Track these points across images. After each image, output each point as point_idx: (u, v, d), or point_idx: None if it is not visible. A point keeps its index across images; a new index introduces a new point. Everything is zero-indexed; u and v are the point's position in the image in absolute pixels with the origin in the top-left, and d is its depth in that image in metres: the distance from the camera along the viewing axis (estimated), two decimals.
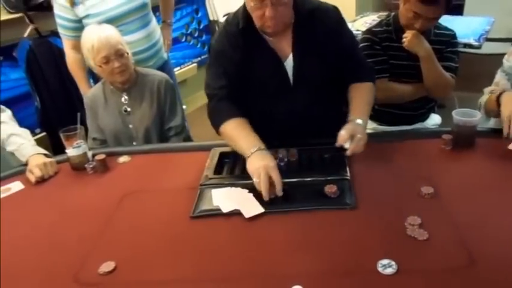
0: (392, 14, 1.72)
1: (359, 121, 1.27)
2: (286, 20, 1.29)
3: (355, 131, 1.23)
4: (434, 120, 1.90)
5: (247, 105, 1.39)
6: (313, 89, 1.41)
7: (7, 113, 1.59)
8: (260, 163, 1.17)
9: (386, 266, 0.91)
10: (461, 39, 1.75)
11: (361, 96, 1.37)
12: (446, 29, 1.72)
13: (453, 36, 1.71)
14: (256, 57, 1.35)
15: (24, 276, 1.01)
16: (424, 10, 1.52)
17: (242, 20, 1.32)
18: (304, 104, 1.41)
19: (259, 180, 1.15)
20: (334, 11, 1.40)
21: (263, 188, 1.14)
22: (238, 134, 1.29)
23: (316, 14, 1.34)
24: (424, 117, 1.85)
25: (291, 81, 1.39)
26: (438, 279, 0.89)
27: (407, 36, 1.59)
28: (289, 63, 1.37)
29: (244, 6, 1.32)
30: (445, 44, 1.69)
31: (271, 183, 1.15)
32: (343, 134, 1.22)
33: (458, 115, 1.35)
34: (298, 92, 1.40)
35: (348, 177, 1.24)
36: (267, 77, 1.38)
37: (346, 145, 1.21)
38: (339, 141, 1.22)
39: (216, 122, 1.36)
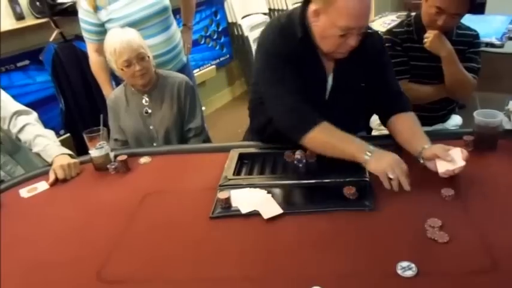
0: (414, 14, 1.70)
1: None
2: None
3: (446, 148, 1.20)
4: (455, 121, 1.87)
5: None
6: (343, 110, 1.40)
7: (33, 115, 1.64)
8: (388, 159, 1.15)
9: (406, 269, 0.91)
10: (483, 39, 1.72)
11: (417, 127, 1.34)
12: (468, 29, 1.70)
13: (476, 36, 1.69)
14: (306, 67, 1.32)
15: (49, 273, 1.04)
16: (447, 4, 1.49)
17: (301, 29, 1.27)
18: (332, 117, 1.36)
19: (395, 175, 1.13)
20: (378, 37, 1.39)
21: (404, 181, 1.12)
22: (338, 139, 1.24)
23: (365, 40, 1.30)
24: (444, 118, 1.83)
25: (327, 97, 1.39)
26: (459, 282, 0.88)
27: (429, 37, 1.57)
28: (329, 81, 1.37)
29: (302, 14, 1.27)
30: (468, 45, 1.66)
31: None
32: (444, 153, 1.18)
33: (480, 116, 1.33)
34: (329, 106, 1.39)
35: (367, 179, 1.23)
36: (309, 88, 1.34)
37: (449, 166, 1.17)
38: (447, 159, 1.18)
39: (300, 130, 1.27)
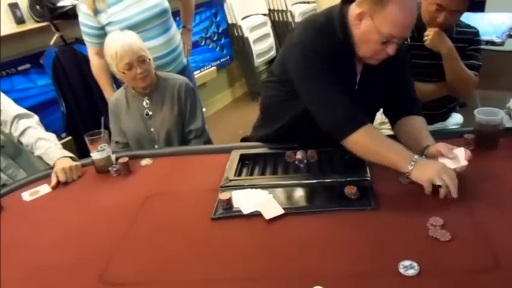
0: None
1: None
2: None
3: (450, 146, 1.21)
4: (455, 119, 1.87)
5: (299, 105, 1.35)
6: (367, 108, 1.37)
7: (34, 119, 1.65)
8: (436, 167, 1.13)
9: (408, 268, 0.91)
10: (483, 37, 1.72)
11: (424, 127, 1.35)
12: (468, 26, 1.69)
13: (476, 33, 1.68)
14: (341, 69, 1.29)
15: (52, 276, 1.04)
16: (448, 1, 1.49)
17: (341, 31, 1.26)
18: None
19: (443, 182, 1.11)
20: (406, 46, 1.38)
21: (453, 188, 1.10)
22: (383, 146, 1.22)
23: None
24: (445, 116, 1.83)
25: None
26: (461, 280, 0.88)
27: (429, 35, 1.57)
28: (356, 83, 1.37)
29: (341, 16, 1.26)
30: (468, 42, 1.66)
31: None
32: (447, 150, 1.19)
33: (481, 114, 1.33)
34: None
35: (368, 178, 1.23)
36: (342, 89, 1.30)
37: (452, 164, 1.17)
38: (449, 157, 1.18)
39: (346, 129, 1.24)
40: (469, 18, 1.74)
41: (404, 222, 1.07)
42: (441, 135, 1.30)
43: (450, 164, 1.17)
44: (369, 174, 1.25)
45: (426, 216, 1.06)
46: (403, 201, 1.15)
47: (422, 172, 1.14)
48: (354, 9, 1.22)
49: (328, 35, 1.27)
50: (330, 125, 1.27)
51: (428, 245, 0.97)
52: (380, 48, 1.21)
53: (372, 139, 1.22)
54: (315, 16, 1.37)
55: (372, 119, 1.50)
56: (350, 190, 1.17)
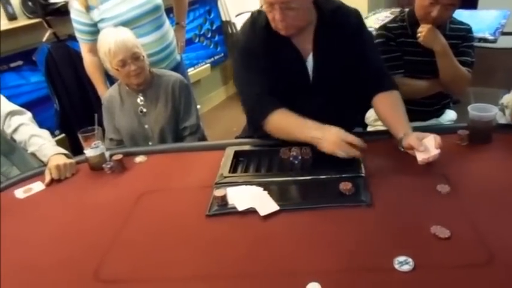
0: (407, 9, 1.71)
1: (411, 132, 1.28)
2: (298, 23, 1.30)
3: (420, 136, 1.24)
4: (449, 116, 1.88)
5: None
6: (330, 89, 1.42)
7: (27, 115, 1.63)
8: (332, 139, 1.22)
9: (403, 263, 0.91)
10: (476, 34, 1.73)
11: (398, 110, 1.36)
12: (461, 23, 1.70)
13: (469, 30, 1.69)
14: (280, 54, 1.37)
15: (46, 273, 1.04)
16: None
17: (265, 16, 1.33)
18: (321, 104, 1.42)
19: (341, 154, 1.21)
20: (356, 14, 1.41)
21: (354, 154, 1.21)
22: (293, 124, 1.31)
23: (338, 15, 1.35)
24: (439, 113, 1.84)
25: (310, 79, 1.40)
26: (456, 276, 0.88)
27: (423, 31, 1.57)
28: (309, 62, 1.39)
29: None
30: (461, 39, 1.67)
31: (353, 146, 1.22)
32: (417, 143, 1.22)
33: (474, 110, 1.33)
34: (316, 91, 1.41)
35: (363, 174, 1.24)
36: (289, 75, 1.40)
37: (423, 155, 1.22)
38: (419, 150, 1.22)
39: (259, 117, 1.37)
40: (462, 15, 1.74)
41: (399, 219, 1.07)
42: (435, 131, 1.30)
43: (423, 156, 1.21)
44: (363, 171, 1.25)
45: (420, 212, 1.06)
46: (398, 197, 1.15)
47: (327, 144, 1.24)
48: None
49: (254, 25, 1.38)
50: (249, 115, 1.41)
51: (424, 241, 0.98)
52: (271, 17, 1.28)
53: (283, 119, 1.33)
54: (255, 12, 1.44)
55: (344, 101, 1.48)
56: (345, 186, 1.17)
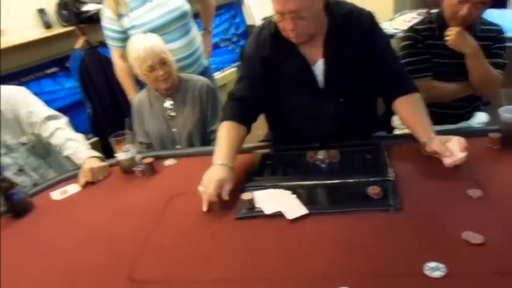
0: (436, 11, 1.68)
1: (433, 135, 1.27)
2: (309, 31, 1.31)
3: (444, 140, 1.23)
4: (479, 118, 1.83)
5: (281, 105, 1.44)
6: (343, 93, 1.42)
7: (63, 120, 1.70)
8: (207, 175, 1.24)
9: (434, 269, 0.90)
10: (507, 33, 1.68)
11: (419, 113, 1.34)
12: (492, 24, 1.66)
13: (500, 31, 1.65)
14: (285, 61, 1.39)
15: (81, 274, 1.08)
16: None
17: (274, 25, 1.35)
18: (335, 108, 1.42)
19: (204, 189, 1.21)
20: (369, 16, 1.39)
21: (203, 199, 1.21)
22: (221, 139, 1.36)
23: (350, 19, 1.35)
24: (468, 116, 1.80)
25: (322, 84, 1.40)
26: (490, 283, 0.86)
27: (451, 34, 1.55)
28: (319, 67, 1.39)
29: None
30: (492, 40, 1.63)
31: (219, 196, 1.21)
32: (442, 148, 1.21)
33: (506, 112, 1.30)
34: (328, 96, 1.41)
35: (391, 178, 1.23)
36: (295, 81, 1.41)
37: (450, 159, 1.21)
38: (445, 155, 1.21)
39: (222, 118, 1.45)
40: (492, 15, 1.70)
41: (429, 223, 1.06)
42: (465, 135, 1.28)
43: (449, 159, 1.19)
44: (391, 174, 1.24)
45: (451, 217, 1.04)
46: (428, 201, 1.14)
47: (207, 174, 1.26)
48: None
49: (261, 32, 1.41)
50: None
51: (455, 246, 0.96)
52: (283, 26, 1.29)
53: (219, 133, 1.39)
54: (267, 19, 1.46)
55: (358, 105, 1.47)
56: (373, 190, 1.16)
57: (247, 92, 1.43)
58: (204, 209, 1.21)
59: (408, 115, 1.36)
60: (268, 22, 1.42)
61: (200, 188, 1.23)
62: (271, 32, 1.38)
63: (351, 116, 1.44)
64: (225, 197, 1.20)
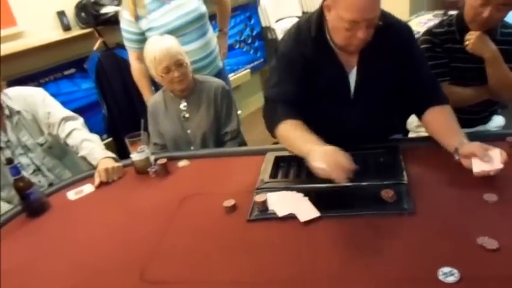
0: (455, 13, 1.65)
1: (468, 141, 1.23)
2: (370, 39, 1.27)
3: (484, 146, 1.18)
4: (497, 122, 1.79)
5: (309, 107, 1.41)
6: (371, 102, 1.40)
7: (80, 121, 1.74)
8: (325, 152, 1.13)
9: (448, 274, 0.89)
10: None
11: (453, 122, 1.31)
12: None
13: None
14: (323, 66, 1.35)
15: (94, 273, 1.09)
16: None
17: (315, 28, 1.32)
18: (360, 115, 1.41)
19: (328, 169, 1.09)
20: (407, 30, 1.38)
21: (336, 176, 1.09)
22: (296, 137, 1.28)
23: (389, 32, 1.31)
24: (486, 120, 1.76)
25: (352, 93, 1.39)
26: None
27: (471, 39, 1.51)
28: (352, 76, 1.37)
29: (319, 14, 1.32)
30: None
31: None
32: (482, 152, 1.16)
33: None
34: (357, 104, 1.40)
35: (405, 182, 1.21)
36: (330, 86, 1.38)
37: (485, 166, 1.15)
38: (484, 160, 1.15)
39: (271, 123, 1.37)
40: None
41: (443, 228, 1.04)
42: (482, 138, 1.25)
43: (484, 167, 1.14)
44: (405, 178, 1.23)
45: (466, 222, 1.03)
46: (442, 205, 1.12)
47: (313, 160, 1.14)
48: (324, 3, 1.27)
49: (301, 35, 1.35)
50: (265, 121, 1.41)
51: (470, 252, 0.95)
52: (349, 35, 1.23)
53: (288, 131, 1.31)
54: (299, 20, 1.43)
55: (385, 114, 1.46)
56: (387, 193, 1.15)
57: (291, 94, 1.36)
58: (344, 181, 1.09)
59: (441, 123, 1.33)
60: (304, 22, 1.37)
61: (322, 166, 1.10)
62: (312, 35, 1.33)
63: (375, 123, 1.42)
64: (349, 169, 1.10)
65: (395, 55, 1.34)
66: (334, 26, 1.27)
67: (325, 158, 1.11)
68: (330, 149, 1.15)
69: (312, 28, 1.33)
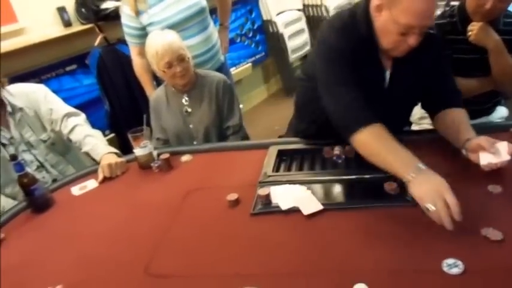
0: (457, 3, 1.63)
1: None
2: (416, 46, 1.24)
3: (491, 140, 1.17)
4: (500, 113, 1.79)
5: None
6: (400, 104, 1.40)
7: (82, 117, 1.74)
8: (431, 187, 1.02)
9: (452, 266, 0.89)
10: None
11: (467, 121, 1.30)
12: None
13: None
14: (365, 65, 1.29)
15: (99, 268, 1.10)
16: None
17: (365, 26, 1.26)
18: (387, 117, 1.31)
19: (435, 208, 0.99)
20: (438, 39, 1.38)
21: (444, 218, 0.97)
22: (386, 148, 1.14)
23: (425, 39, 1.25)
24: (489, 111, 1.75)
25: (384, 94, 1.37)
26: (509, 280, 0.85)
27: (474, 30, 1.50)
28: (386, 79, 1.36)
29: (365, 12, 1.25)
30: None
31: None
32: (488, 144, 1.14)
33: None
34: (385, 104, 1.38)
35: None
36: (368, 85, 1.29)
37: (492, 158, 1.14)
38: (490, 151, 1.14)
39: (350, 126, 1.22)
40: None
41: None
42: (486, 130, 1.25)
43: (491, 159, 1.13)
44: None
45: (470, 214, 1.02)
46: None
47: (418, 188, 1.03)
48: (373, 2, 1.21)
49: (351, 31, 1.27)
50: (337, 126, 1.26)
51: (474, 243, 0.95)
52: (400, 39, 1.19)
53: (376, 140, 1.16)
54: (340, 13, 1.36)
55: (405, 115, 1.48)
56: (390, 186, 1.15)
57: (360, 93, 1.25)
58: (451, 227, 0.97)
59: (454, 122, 1.31)
60: (349, 17, 1.30)
61: (431, 207, 0.99)
62: (361, 32, 1.26)
63: (396, 122, 1.42)
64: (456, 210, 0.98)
65: (426, 64, 1.33)
66: (384, 28, 1.20)
67: (431, 195, 1.00)
68: (435, 182, 1.03)
69: (360, 26, 1.26)
